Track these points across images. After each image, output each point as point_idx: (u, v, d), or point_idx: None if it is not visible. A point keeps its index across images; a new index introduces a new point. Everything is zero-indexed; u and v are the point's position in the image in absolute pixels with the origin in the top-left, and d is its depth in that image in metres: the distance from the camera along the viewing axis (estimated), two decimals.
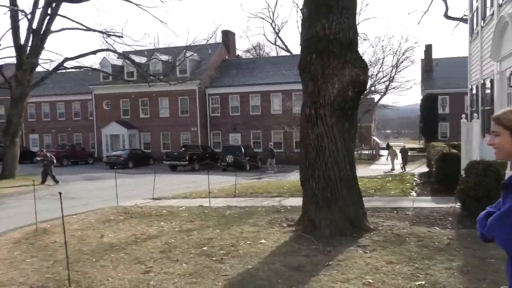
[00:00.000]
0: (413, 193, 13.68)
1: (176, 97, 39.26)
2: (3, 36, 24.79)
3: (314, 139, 7.64)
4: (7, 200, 16.17)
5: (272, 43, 58.73)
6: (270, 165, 29.69)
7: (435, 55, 56.04)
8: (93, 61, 46.62)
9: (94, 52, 23.58)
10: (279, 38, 58.66)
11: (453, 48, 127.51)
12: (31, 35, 22.30)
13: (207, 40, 34.83)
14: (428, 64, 54.71)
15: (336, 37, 7.19)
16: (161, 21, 21.09)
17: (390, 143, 48.27)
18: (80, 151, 38.85)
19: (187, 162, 30.73)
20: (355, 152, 38.15)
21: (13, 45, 22.86)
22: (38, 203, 14.56)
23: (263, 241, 7.60)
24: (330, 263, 6.22)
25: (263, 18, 58.13)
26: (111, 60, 40.39)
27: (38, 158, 24.69)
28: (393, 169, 27.95)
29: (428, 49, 55.50)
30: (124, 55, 23.18)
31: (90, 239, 8.34)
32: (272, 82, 37.79)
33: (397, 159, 28.96)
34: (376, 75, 53.52)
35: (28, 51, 22.57)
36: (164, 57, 39.30)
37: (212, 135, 39.78)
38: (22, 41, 22.87)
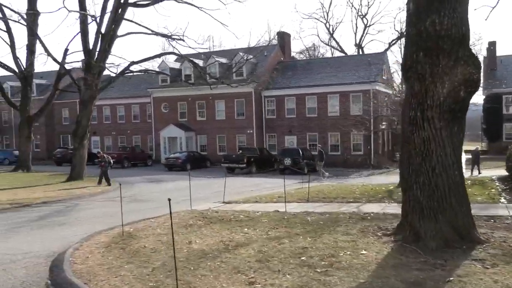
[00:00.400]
0: (503, 200, 12.71)
1: (232, 100, 39.37)
2: (71, 41, 25.57)
3: (419, 144, 7.10)
4: (80, 202, 16.58)
5: (326, 44, 57.84)
6: (319, 167, 28.01)
7: (498, 52, 52.89)
8: (151, 65, 47.47)
9: (159, 56, 24.02)
10: (333, 38, 57.69)
11: None
12: (100, 39, 22.94)
13: (269, 42, 34.58)
14: (492, 62, 51.87)
15: (448, 33, 6.63)
16: (222, 24, 21.16)
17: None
18: (140, 153, 39.79)
19: (245, 165, 30.63)
20: None
21: (81, 49, 23.61)
22: (110, 205, 14.88)
23: (364, 252, 7.14)
24: (451, 279, 5.68)
25: (317, 19, 57.20)
26: (169, 63, 41.15)
27: (97, 160, 25.40)
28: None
29: (492, 45, 52.65)
30: (188, 59, 23.34)
31: (179, 245, 8.18)
32: (329, 83, 37.07)
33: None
34: None
35: (96, 55, 23.23)
36: (222, 60, 39.50)
37: (267, 137, 39.55)
38: (91, 46, 23.57)
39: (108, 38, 22.91)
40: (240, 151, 33.18)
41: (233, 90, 37.67)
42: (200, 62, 40.07)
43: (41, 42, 23.25)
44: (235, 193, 17.73)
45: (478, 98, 55.41)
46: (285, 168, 30.30)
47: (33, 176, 27.32)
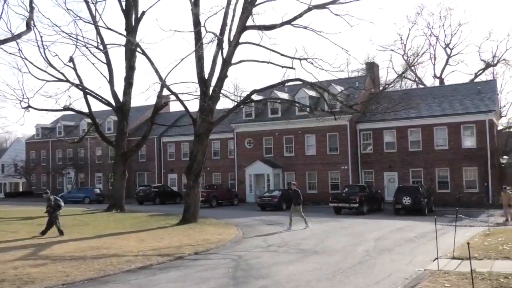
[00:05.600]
0: None
1: (324, 133, 36.66)
2: (173, 69, 23.12)
3: None
4: (236, 252, 13.60)
5: (403, 76, 54.69)
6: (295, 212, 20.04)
7: None
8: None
9: (283, 83, 21.63)
10: (412, 70, 54.47)
11: None
12: (221, 65, 20.92)
13: (363, 71, 31.92)
14: None
15: None
16: (342, 48, 19.18)
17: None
18: (226, 191, 37.29)
19: (357, 204, 27.38)
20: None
21: (196, 77, 21.62)
22: (293, 257, 10.97)
23: None
24: None
25: (393, 50, 54.27)
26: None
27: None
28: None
29: None
30: (316, 85, 20.88)
31: None
32: (433, 114, 33.78)
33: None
34: None
35: (215, 83, 21.17)
36: (311, 92, 37.11)
37: (363, 173, 36.29)
38: (206, 74, 21.58)
39: (228, 64, 20.85)
40: (346, 189, 29.99)
41: (326, 124, 35.06)
42: (285, 95, 37.95)
43: (157, 71, 21.33)
44: (395, 243, 14.49)
45: None
46: (402, 208, 26.91)
47: (133, 217, 25.09)
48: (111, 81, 28.78)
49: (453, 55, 54.36)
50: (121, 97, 29.10)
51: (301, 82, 23.67)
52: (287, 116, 38.47)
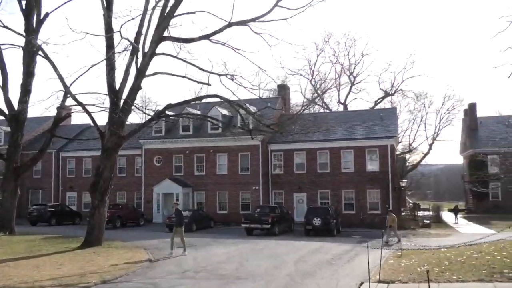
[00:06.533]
0: None
1: (236, 153, 36.34)
2: (79, 76, 20.71)
3: None
4: (149, 280, 12.30)
5: (310, 101, 56.77)
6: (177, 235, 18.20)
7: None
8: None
9: (199, 99, 20.86)
10: (318, 95, 56.82)
11: (496, 106, 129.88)
12: (135, 76, 19.55)
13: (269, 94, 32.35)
14: (473, 123, 52.87)
15: None
16: (260, 68, 18.57)
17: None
18: (132, 211, 35.01)
19: (269, 226, 27.17)
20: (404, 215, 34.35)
21: (107, 88, 20.03)
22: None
23: None
24: None
25: (302, 75, 56.18)
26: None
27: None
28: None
29: (472, 107, 53.95)
30: (234, 102, 20.32)
31: None
32: (341, 138, 35.20)
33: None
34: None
35: (127, 95, 19.70)
36: (223, 111, 36.73)
37: (273, 194, 36.44)
38: (118, 84, 20.08)
39: (142, 75, 19.60)
40: (258, 210, 29.71)
41: (238, 143, 34.90)
42: (198, 113, 37.13)
43: (61, 77, 19.29)
44: (315, 266, 14.33)
45: (452, 158, 55.84)
46: (312, 228, 27.26)
47: (25, 240, 22.22)
48: (4, 87, 25.67)
49: (356, 83, 57.84)
50: (16, 106, 26.08)
51: (217, 99, 23.14)
52: (199, 134, 37.59)
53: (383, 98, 56.34)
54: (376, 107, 52.22)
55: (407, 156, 58.13)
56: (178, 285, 11.36)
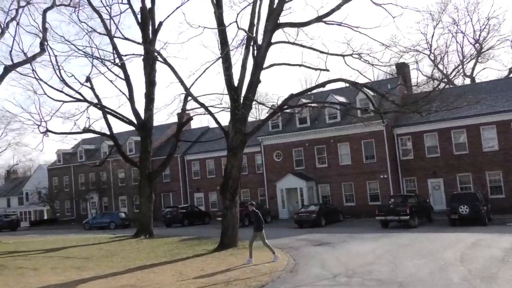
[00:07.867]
0: None
1: (358, 141, 34.18)
2: (200, 76, 21.02)
3: None
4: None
5: (429, 77, 51.81)
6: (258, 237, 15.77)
7: None
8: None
9: (323, 85, 19.40)
10: (439, 69, 51.63)
11: None
12: (252, 69, 18.83)
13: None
14: None
15: None
16: (382, 44, 16.55)
17: None
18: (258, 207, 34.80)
19: (408, 217, 24.71)
20: None
21: (225, 86, 19.58)
22: None
23: None
24: None
25: (419, 51, 51.43)
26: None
27: None
28: None
29: None
30: (362, 85, 18.72)
31: None
32: (479, 113, 30.95)
33: None
34: None
35: (246, 90, 19.07)
36: (340, 98, 34.80)
37: (404, 182, 33.54)
38: (236, 80, 19.51)
39: (260, 68, 18.76)
40: (392, 200, 27.34)
41: (358, 130, 32.76)
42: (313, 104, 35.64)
43: (181, 80, 19.33)
44: (489, 265, 11.96)
45: None
46: (458, 218, 24.13)
47: (164, 243, 22.94)
48: (131, 98, 26.98)
49: (483, 51, 51.43)
50: (142, 115, 27.25)
51: (329, 87, 21.55)
52: (316, 125, 36.18)
53: None
54: None
55: None
56: None
